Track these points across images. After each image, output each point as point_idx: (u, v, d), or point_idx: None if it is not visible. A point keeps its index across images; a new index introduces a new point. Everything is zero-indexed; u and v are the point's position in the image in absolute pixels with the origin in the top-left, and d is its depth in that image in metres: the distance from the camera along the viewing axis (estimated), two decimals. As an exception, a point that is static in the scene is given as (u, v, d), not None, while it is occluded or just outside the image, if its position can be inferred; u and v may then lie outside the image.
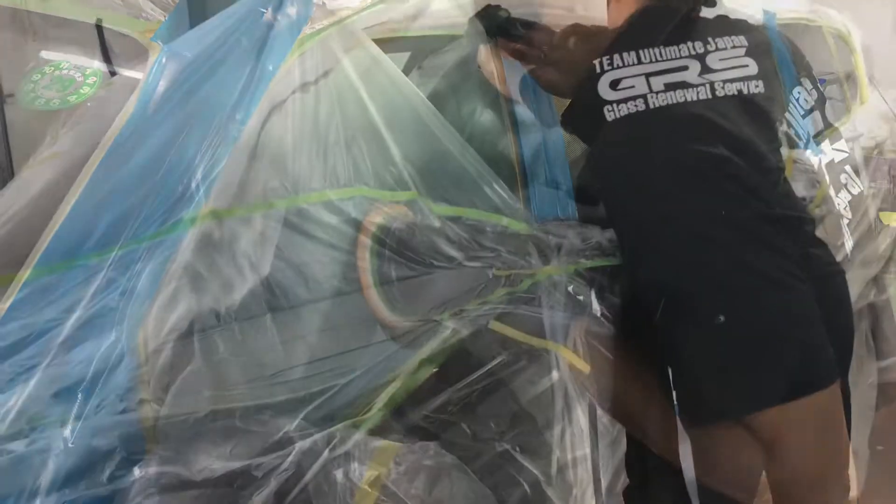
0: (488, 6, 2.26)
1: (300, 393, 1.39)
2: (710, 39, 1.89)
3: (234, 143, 1.72)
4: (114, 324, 1.57)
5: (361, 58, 1.83)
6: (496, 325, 1.62)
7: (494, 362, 1.54)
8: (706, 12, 1.95)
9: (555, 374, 1.58)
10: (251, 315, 1.69)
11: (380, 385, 1.42)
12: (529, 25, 2.24)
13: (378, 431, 1.32)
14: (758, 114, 1.86)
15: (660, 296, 1.76)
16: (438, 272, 1.84)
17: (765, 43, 1.93)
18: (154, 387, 1.46)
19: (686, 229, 1.75)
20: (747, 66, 1.88)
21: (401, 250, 1.82)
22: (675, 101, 1.82)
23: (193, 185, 1.71)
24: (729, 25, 1.94)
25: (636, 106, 1.83)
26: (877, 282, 3.36)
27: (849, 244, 2.58)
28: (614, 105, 1.84)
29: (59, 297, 1.57)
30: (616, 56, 1.87)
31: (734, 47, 1.89)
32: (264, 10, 1.70)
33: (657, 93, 1.82)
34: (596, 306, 1.75)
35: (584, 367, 1.64)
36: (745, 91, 1.85)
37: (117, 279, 1.63)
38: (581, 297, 1.75)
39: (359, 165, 1.81)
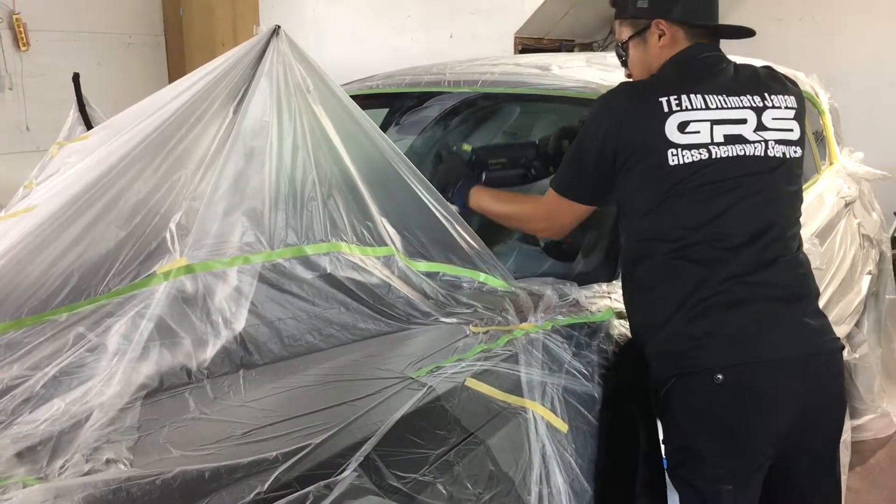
0: (444, 149, 2.23)
1: (272, 453, 1.35)
2: (766, 95, 1.81)
3: (208, 197, 1.71)
4: (81, 381, 1.54)
5: (339, 113, 1.83)
6: (472, 383, 1.60)
7: (471, 421, 1.51)
8: (747, 62, 1.91)
9: (532, 434, 1.55)
10: (223, 372, 1.66)
11: (355, 444, 1.38)
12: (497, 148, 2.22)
13: (353, 492, 1.28)
14: (794, 180, 1.83)
15: (661, 355, 1.76)
16: (415, 328, 1.82)
17: (804, 107, 1.87)
18: (122, 447, 1.41)
19: (708, 289, 1.70)
20: (792, 130, 1.83)
21: (377, 306, 1.81)
22: (734, 155, 1.74)
23: (168, 238, 1.70)
24: (781, 83, 1.88)
25: (700, 154, 1.73)
26: (849, 339, 3.40)
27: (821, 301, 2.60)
28: (679, 150, 1.72)
29: (25, 354, 1.53)
30: (685, 96, 1.75)
31: (787, 108, 1.83)
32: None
33: (718, 144, 1.73)
34: (574, 364, 1.74)
35: (562, 426, 1.61)
36: (788, 156, 1.80)
37: (86, 334, 1.61)
38: (558, 355, 1.74)
39: (335, 220, 1.81)
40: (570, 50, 7.05)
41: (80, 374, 1.55)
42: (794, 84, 1.90)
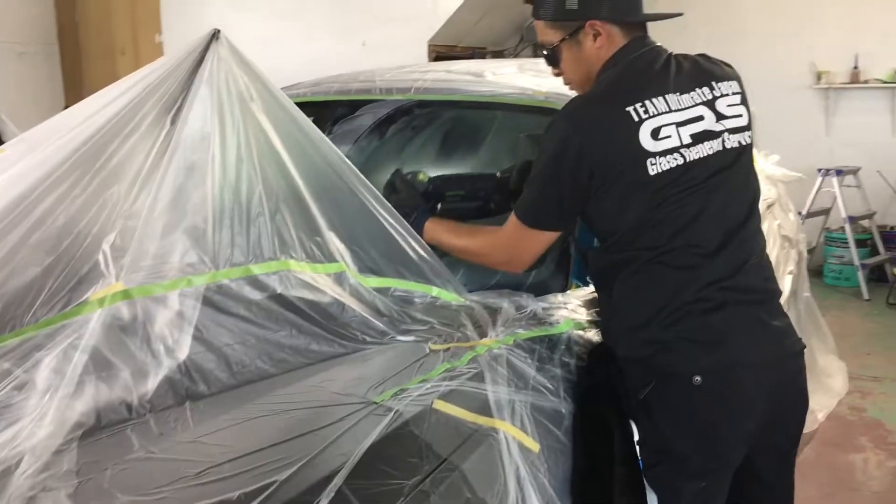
0: (398, 174, 2.09)
1: (234, 493, 1.23)
2: (714, 84, 1.76)
3: (146, 215, 1.58)
4: (9, 423, 1.39)
5: (284, 122, 1.72)
6: (440, 405, 1.52)
7: (443, 446, 1.43)
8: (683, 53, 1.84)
9: (506, 456, 1.48)
10: (167, 405, 1.52)
11: (323, 478, 1.28)
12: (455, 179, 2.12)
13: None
14: (751, 170, 1.81)
15: (638, 360, 1.73)
16: (371, 348, 1.73)
17: (745, 90, 1.81)
18: (61, 494, 1.27)
19: (687, 295, 1.68)
20: (742, 115, 1.78)
21: (331, 327, 1.70)
22: (703, 155, 1.70)
23: (101, 261, 1.56)
24: (721, 69, 1.82)
25: (675, 160, 1.67)
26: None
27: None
28: (657, 158, 1.66)
29: (-55, 395, 1.37)
30: (649, 102, 1.68)
31: (734, 93, 1.78)
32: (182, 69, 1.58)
33: (687, 146, 1.69)
34: (540, 379, 1.68)
35: (533, 446, 1.55)
36: (743, 143, 1.77)
37: (13, 370, 1.45)
38: (523, 371, 1.68)
39: (283, 237, 1.70)
40: (483, 57, 7.06)
41: (8, 415, 1.39)
42: (731, 68, 1.86)
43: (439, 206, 2.07)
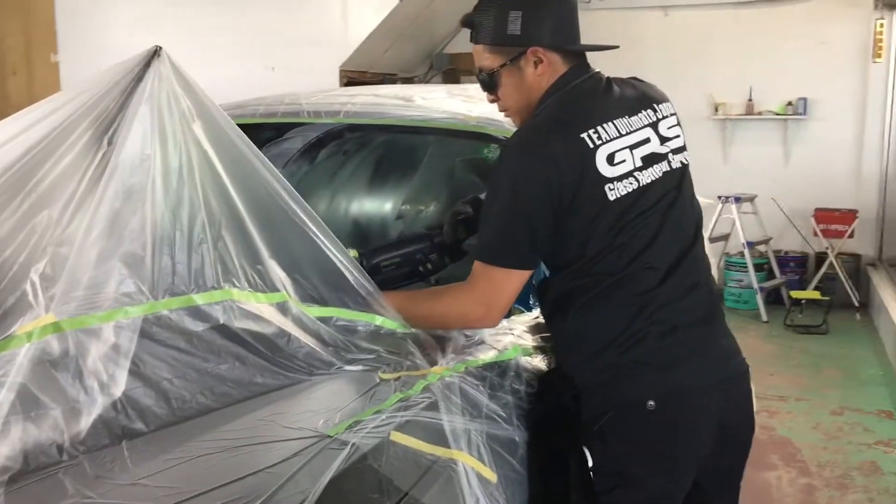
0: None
1: (186, 539, 1.15)
2: (655, 107, 1.78)
3: (79, 241, 1.47)
4: (-73, 469, 1.26)
5: (226, 144, 1.65)
6: (398, 437, 1.46)
7: (403, 480, 1.38)
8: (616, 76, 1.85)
9: (465, 487, 1.44)
10: (103, 445, 1.42)
11: (280, 520, 1.21)
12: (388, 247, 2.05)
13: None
14: (692, 190, 1.82)
15: (594, 387, 1.72)
16: (318, 379, 1.66)
17: (675, 112, 1.84)
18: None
19: (642, 319, 1.68)
20: (680, 136, 1.81)
21: (276, 358, 1.63)
22: (655, 177, 1.71)
23: (29, 291, 1.44)
24: (657, 91, 1.84)
25: (631, 184, 1.68)
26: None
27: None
28: (615, 183, 1.66)
29: None
30: (600, 128, 1.68)
31: (671, 115, 1.81)
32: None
33: (640, 169, 1.69)
34: (492, 406, 1.65)
35: (491, 476, 1.52)
36: (684, 163, 1.79)
37: (-69, 412, 1.32)
38: (476, 399, 1.64)
39: (227, 264, 1.62)
40: (393, 83, 7.06)
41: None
42: (663, 92, 1.89)
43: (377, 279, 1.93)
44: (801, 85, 7.15)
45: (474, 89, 2.94)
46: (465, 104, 2.60)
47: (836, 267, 6.80)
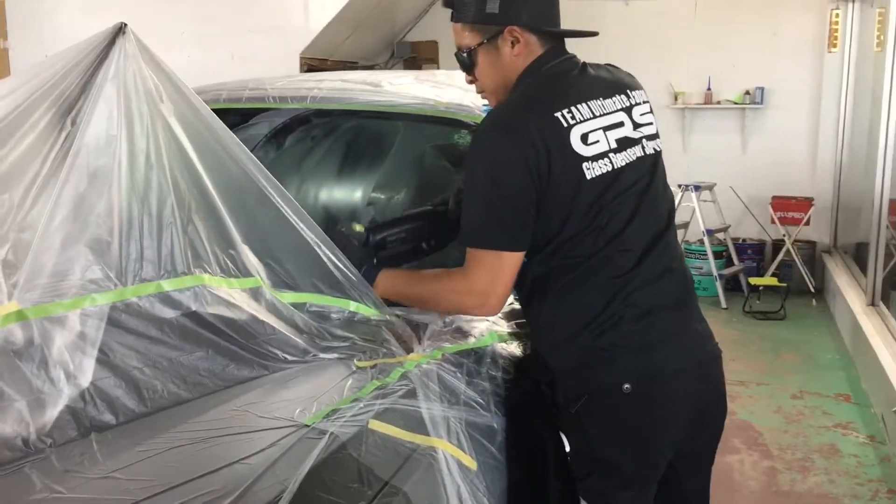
0: (334, 229, 1.93)
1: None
2: (629, 93, 1.79)
3: (42, 226, 1.41)
4: None
5: (196, 125, 1.59)
6: (376, 425, 1.43)
7: (384, 468, 1.35)
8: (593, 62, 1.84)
9: (446, 475, 1.42)
10: (71, 438, 1.37)
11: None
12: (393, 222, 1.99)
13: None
14: (665, 177, 1.83)
15: (570, 370, 1.71)
16: (293, 367, 1.63)
17: (648, 99, 1.85)
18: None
19: (619, 300, 1.67)
20: (652, 123, 1.82)
21: (250, 346, 1.59)
22: (630, 160, 1.71)
23: (-10, 278, 1.38)
24: (631, 78, 1.85)
25: (606, 165, 1.67)
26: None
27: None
28: (591, 162, 1.65)
29: None
30: (574, 108, 1.67)
31: (644, 102, 1.82)
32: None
33: (614, 151, 1.69)
34: (470, 393, 1.63)
35: (471, 463, 1.49)
36: (657, 150, 1.79)
37: None
38: (453, 386, 1.62)
39: (197, 249, 1.57)
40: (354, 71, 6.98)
41: None
42: (637, 80, 1.89)
43: (383, 254, 1.92)
44: (759, 74, 7.24)
45: (443, 75, 2.92)
46: (434, 90, 2.57)
47: (793, 254, 6.91)
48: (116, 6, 6.50)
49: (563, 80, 1.76)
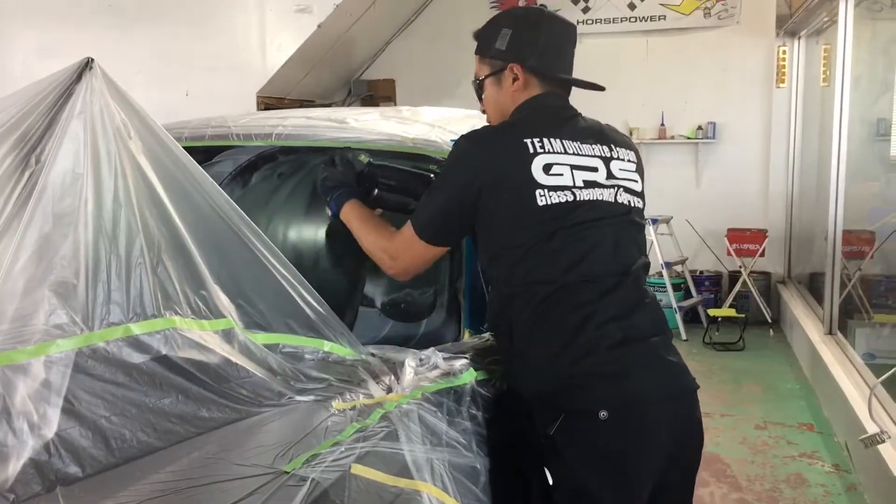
0: (342, 151, 2.05)
1: None
2: (612, 147, 1.87)
3: (5, 269, 1.35)
4: None
5: (165, 163, 1.55)
6: (359, 469, 1.38)
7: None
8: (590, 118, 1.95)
9: (433, 519, 1.37)
10: (34, 493, 1.29)
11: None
12: (392, 169, 2.07)
13: None
14: (640, 228, 1.88)
15: (546, 397, 1.71)
16: (268, 411, 1.57)
17: (642, 164, 1.95)
18: None
19: (588, 331, 1.70)
20: (636, 181, 1.89)
21: (222, 389, 1.52)
22: (594, 199, 1.78)
23: (-52, 325, 1.31)
24: (623, 137, 1.97)
25: (565, 196, 1.74)
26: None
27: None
28: (546, 191, 1.73)
29: None
30: (546, 140, 1.77)
31: (629, 161, 1.89)
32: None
33: (579, 188, 1.76)
34: (452, 433, 1.58)
35: (457, 506, 1.46)
36: (633, 204, 1.85)
37: None
38: (435, 426, 1.58)
39: (167, 290, 1.51)
40: (311, 110, 6.96)
41: None
42: (633, 143, 1.98)
43: (375, 192, 2.02)
44: (710, 110, 7.38)
45: (408, 111, 2.91)
46: (400, 126, 2.56)
47: (749, 285, 7.01)
48: (70, 47, 6.42)
49: (545, 115, 1.88)
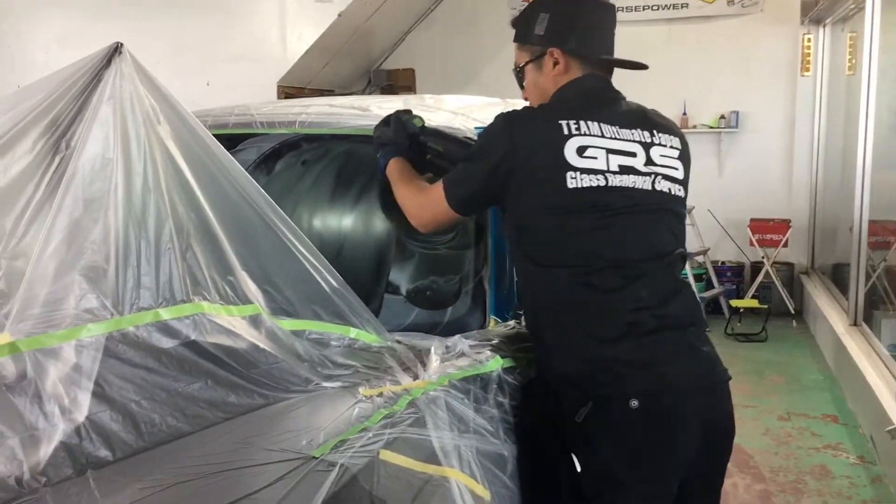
0: (399, 112, 2.07)
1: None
2: (654, 133, 1.83)
3: (36, 254, 1.35)
4: None
5: (194, 148, 1.55)
6: (387, 455, 1.38)
7: (397, 501, 1.30)
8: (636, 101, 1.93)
9: (460, 506, 1.37)
10: (66, 476, 1.30)
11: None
12: (443, 136, 2.08)
13: None
14: (679, 217, 1.85)
15: (575, 383, 1.70)
16: (295, 397, 1.57)
17: (688, 151, 1.91)
18: None
19: (618, 317, 1.69)
20: (677, 169, 1.85)
21: (251, 375, 1.53)
22: (628, 185, 1.75)
23: (-20, 309, 1.32)
24: (668, 123, 1.94)
25: (597, 180, 1.72)
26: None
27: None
28: (578, 173, 1.71)
29: None
30: (582, 122, 1.75)
31: (672, 147, 1.86)
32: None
33: (613, 172, 1.74)
34: (479, 420, 1.58)
35: (484, 493, 1.45)
36: (672, 192, 1.82)
37: None
38: (462, 413, 1.57)
39: (196, 276, 1.51)
40: (331, 100, 6.96)
41: None
42: (678, 129, 1.94)
43: (428, 156, 2.06)
44: (733, 99, 7.31)
45: (431, 99, 2.90)
46: (423, 113, 2.55)
47: (772, 275, 6.95)
48: (91, 36, 6.44)
49: (587, 99, 1.86)
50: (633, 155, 1.78)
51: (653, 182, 1.78)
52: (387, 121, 2.08)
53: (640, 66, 1.95)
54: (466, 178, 1.83)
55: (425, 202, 1.90)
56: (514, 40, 1.96)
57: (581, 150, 1.73)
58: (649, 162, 1.79)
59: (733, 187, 7.34)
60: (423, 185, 1.96)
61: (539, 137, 1.75)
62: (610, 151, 1.75)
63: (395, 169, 2.00)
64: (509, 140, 1.76)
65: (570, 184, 1.71)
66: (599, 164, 1.73)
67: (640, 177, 1.77)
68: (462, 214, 1.88)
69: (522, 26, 1.93)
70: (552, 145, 1.73)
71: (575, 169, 1.71)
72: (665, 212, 1.81)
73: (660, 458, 1.70)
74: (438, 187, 1.86)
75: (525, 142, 1.75)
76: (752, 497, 3.67)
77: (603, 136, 1.76)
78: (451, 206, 1.84)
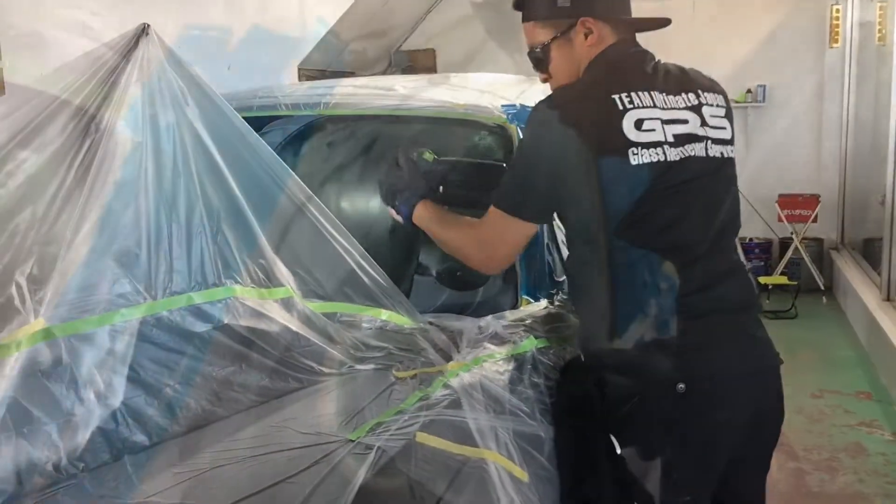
0: (406, 152, 1.91)
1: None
2: (700, 93, 1.72)
3: (68, 240, 1.34)
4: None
5: (223, 131, 1.53)
6: (424, 437, 1.37)
7: (435, 483, 1.28)
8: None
9: (500, 489, 1.35)
10: (103, 461, 1.30)
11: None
12: (464, 167, 1.97)
13: None
14: (732, 181, 1.77)
15: (627, 361, 1.64)
16: (329, 380, 1.56)
17: (730, 107, 1.79)
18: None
19: (670, 300, 1.62)
20: (725, 128, 1.74)
21: (284, 359, 1.52)
22: (684, 156, 1.65)
23: (15, 296, 1.31)
24: (709, 81, 1.83)
25: (657, 155, 1.61)
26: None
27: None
28: (640, 149, 1.60)
29: None
30: (634, 94, 1.63)
31: (718, 106, 1.75)
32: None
33: (670, 144, 1.63)
34: (515, 402, 1.56)
35: (522, 475, 1.43)
36: (725, 155, 1.72)
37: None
38: (497, 394, 1.55)
39: (227, 259, 1.50)
40: (353, 82, 6.94)
41: None
42: (718, 84, 1.83)
43: (441, 189, 1.89)
44: (760, 72, 7.20)
45: (457, 78, 2.86)
46: (450, 92, 2.52)
47: (801, 251, 6.86)
48: (109, 19, 6.45)
49: (629, 67, 1.73)
50: (685, 122, 1.67)
51: (706, 148, 1.69)
52: (396, 161, 1.92)
53: (663, 23, 1.83)
54: (528, 186, 1.67)
55: (487, 236, 1.71)
56: (530, 19, 1.80)
57: (639, 124, 1.61)
58: (703, 123, 1.69)
59: (761, 163, 7.23)
60: (470, 220, 1.78)
61: (593, 118, 1.62)
62: (665, 122, 1.65)
63: (425, 216, 1.82)
64: (562, 128, 1.61)
65: (634, 160, 1.59)
66: (658, 136, 1.63)
67: (698, 143, 1.68)
68: (531, 221, 1.70)
69: (540, 2, 1.77)
70: (609, 123, 1.60)
71: (636, 144, 1.59)
72: (720, 179, 1.72)
73: (706, 443, 1.65)
74: (495, 213, 1.68)
75: (578, 127, 1.60)
76: (785, 475, 3.63)
77: (655, 105, 1.64)
78: (524, 219, 1.67)
